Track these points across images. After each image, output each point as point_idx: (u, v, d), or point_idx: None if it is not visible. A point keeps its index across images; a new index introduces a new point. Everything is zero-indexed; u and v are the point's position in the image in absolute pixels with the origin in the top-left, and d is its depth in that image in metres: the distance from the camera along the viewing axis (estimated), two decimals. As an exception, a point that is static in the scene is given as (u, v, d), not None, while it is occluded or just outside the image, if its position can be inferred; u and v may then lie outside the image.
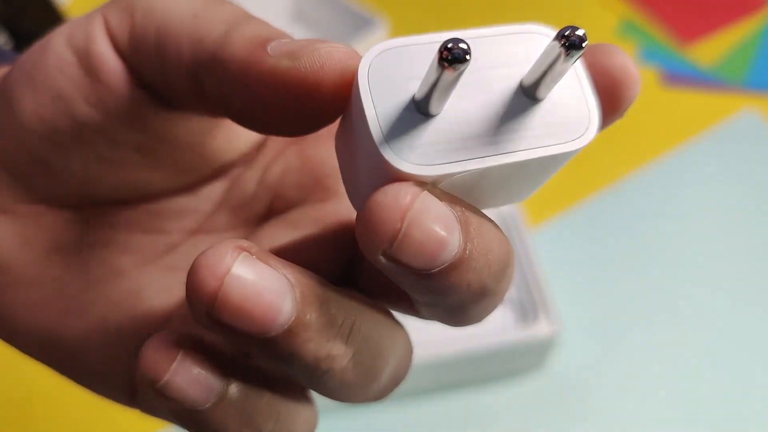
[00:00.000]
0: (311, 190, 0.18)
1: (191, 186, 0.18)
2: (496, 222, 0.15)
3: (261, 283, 0.12)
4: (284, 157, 0.18)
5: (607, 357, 0.45)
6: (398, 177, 0.12)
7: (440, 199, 0.13)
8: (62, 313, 0.17)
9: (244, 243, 0.13)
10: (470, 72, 0.13)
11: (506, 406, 0.44)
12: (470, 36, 0.13)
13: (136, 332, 0.17)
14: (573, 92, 0.13)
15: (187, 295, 0.13)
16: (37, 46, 0.16)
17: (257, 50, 0.13)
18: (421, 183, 0.12)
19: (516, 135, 0.13)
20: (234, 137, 0.18)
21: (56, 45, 0.16)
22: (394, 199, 0.12)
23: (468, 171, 0.12)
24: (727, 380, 0.45)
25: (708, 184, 0.53)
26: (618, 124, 0.57)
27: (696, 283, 0.49)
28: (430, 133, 0.12)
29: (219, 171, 0.18)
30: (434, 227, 0.12)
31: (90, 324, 0.17)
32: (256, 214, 0.18)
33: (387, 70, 0.13)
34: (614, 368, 0.45)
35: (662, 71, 0.59)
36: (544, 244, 0.50)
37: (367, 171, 0.13)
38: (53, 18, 0.59)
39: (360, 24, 0.56)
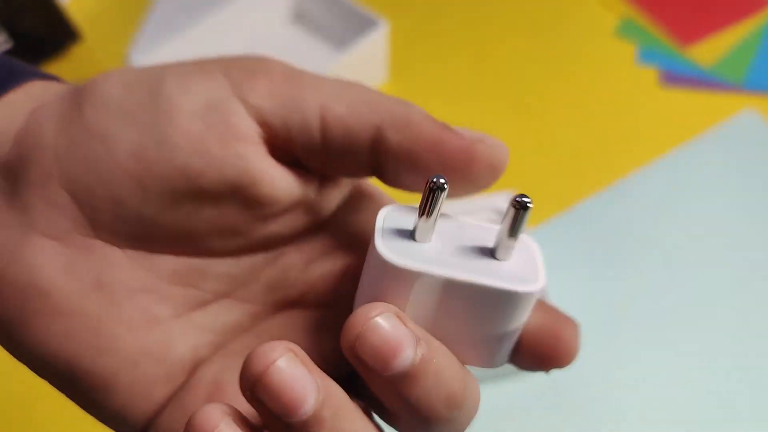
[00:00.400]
0: (343, 299, 0.19)
1: (239, 252, 0.19)
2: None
3: (295, 379, 0.15)
4: (331, 260, 0.19)
5: (606, 356, 0.45)
6: (385, 267, 0.16)
7: (404, 323, 0.16)
8: (95, 350, 0.17)
9: (293, 346, 0.16)
10: (456, 234, 0.18)
11: (506, 405, 0.44)
12: (460, 222, 0.18)
13: (163, 381, 0.18)
14: (528, 263, 0.18)
15: (241, 370, 0.15)
16: (141, 87, 0.17)
17: (446, 130, 0.17)
18: (392, 308, 0.16)
19: (477, 269, 0.17)
20: (296, 216, 0.18)
21: (170, 92, 0.17)
22: (364, 310, 0.16)
23: (434, 275, 0.16)
24: (728, 378, 0.45)
25: (708, 184, 0.53)
26: (618, 124, 0.57)
27: (696, 283, 0.49)
28: (415, 248, 0.17)
29: (269, 244, 0.19)
30: (389, 336, 0.15)
31: (120, 366, 0.17)
32: (287, 299, 0.19)
33: (395, 217, 0.18)
34: (614, 368, 0.45)
35: (662, 71, 0.59)
36: (543, 244, 0.50)
37: (365, 277, 0.18)
38: (53, 18, 0.59)
39: (360, 24, 0.56)
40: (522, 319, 0.17)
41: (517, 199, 0.16)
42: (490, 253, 0.17)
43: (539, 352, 0.18)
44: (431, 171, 0.17)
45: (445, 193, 0.16)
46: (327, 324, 0.19)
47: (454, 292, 0.17)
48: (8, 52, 0.57)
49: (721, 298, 0.48)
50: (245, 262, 0.19)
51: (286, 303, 0.19)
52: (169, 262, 0.18)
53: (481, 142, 0.17)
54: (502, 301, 0.17)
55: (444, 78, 0.60)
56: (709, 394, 0.45)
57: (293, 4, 0.62)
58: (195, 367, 0.18)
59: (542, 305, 0.18)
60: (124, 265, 0.18)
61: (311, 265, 0.19)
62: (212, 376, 0.18)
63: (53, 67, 0.60)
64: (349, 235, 0.19)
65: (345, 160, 0.18)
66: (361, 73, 0.56)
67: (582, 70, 0.60)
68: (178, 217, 0.17)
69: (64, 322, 0.17)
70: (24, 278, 0.17)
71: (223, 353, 0.19)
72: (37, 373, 0.18)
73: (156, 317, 0.18)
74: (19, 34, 0.58)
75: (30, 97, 0.18)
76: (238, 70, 0.17)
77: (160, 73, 0.17)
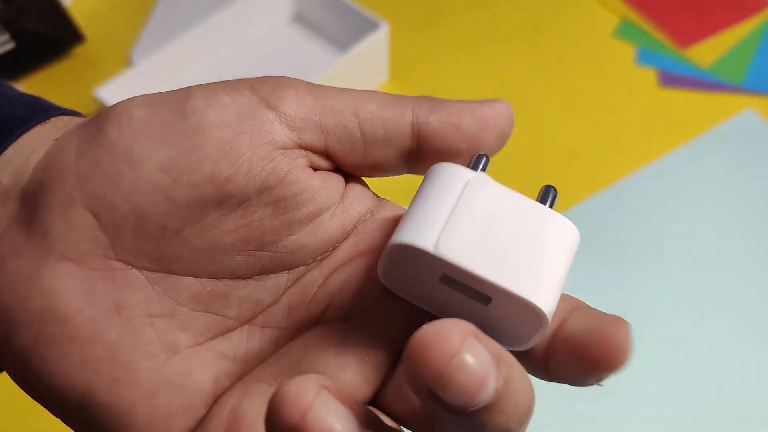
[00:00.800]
0: (366, 307, 0.18)
1: (263, 271, 0.18)
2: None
3: (333, 423, 0.14)
4: (350, 267, 0.19)
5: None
6: (442, 172, 0.18)
7: (483, 344, 0.14)
8: (111, 379, 0.17)
9: (325, 381, 0.14)
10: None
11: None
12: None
13: (182, 413, 0.17)
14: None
15: (268, 420, 0.14)
16: (165, 105, 0.17)
17: (470, 103, 0.19)
18: (470, 327, 0.14)
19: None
20: (321, 225, 0.18)
21: (197, 106, 0.17)
22: (444, 341, 0.13)
23: (488, 180, 0.17)
24: (729, 377, 0.45)
25: (708, 184, 0.53)
26: (617, 124, 0.57)
27: (696, 283, 0.49)
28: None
29: (293, 259, 0.18)
30: (477, 371, 0.13)
31: (137, 397, 0.17)
32: (310, 317, 0.19)
33: None
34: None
35: (661, 71, 0.59)
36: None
37: (414, 203, 0.18)
38: (56, 19, 0.59)
39: (360, 25, 0.56)
40: (566, 255, 0.17)
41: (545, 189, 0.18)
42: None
43: (588, 355, 0.16)
44: (476, 142, 0.19)
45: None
46: (348, 339, 0.18)
47: (504, 205, 0.17)
48: (10, 53, 0.58)
49: (721, 298, 0.48)
50: (270, 284, 0.18)
51: (306, 323, 0.19)
52: (190, 285, 0.18)
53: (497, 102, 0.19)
54: (550, 224, 0.17)
55: (444, 78, 0.60)
56: (711, 393, 0.45)
57: (293, 5, 0.62)
58: (215, 397, 0.18)
59: (587, 310, 0.17)
60: (144, 289, 0.17)
61: (330, 277, 0.19)
62: (231, 406, 0.17)
63: (56, 68, 0.61)
64: (366, 242, 0.19)
65: (387, 152, 0.18)
66: (361, 73, 0.56)
67: (581, 70, 0.60)
68: (202, 229, 0.17)
69: (80, 348, 0.16)
70: (41, 303, 0.16)
71: (243, 381, 0.18)
72: (51, 409, 0.17)
73: (175, 345, 0.17)
74: (22, 35, 0.58)
75: (54, 130, 0.18)
76: (264, 84, 0.18)
77: (185, 92, 0.17)
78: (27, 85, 0.59)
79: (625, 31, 0.62)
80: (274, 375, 0.18)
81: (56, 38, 0.60)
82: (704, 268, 0.50)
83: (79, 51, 0.62)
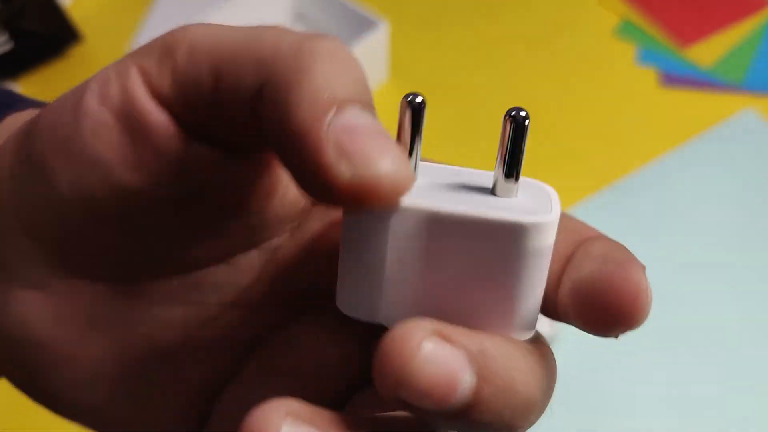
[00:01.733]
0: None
1: (228, 254, 0.17)
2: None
3: None
4: (321, 243, 0.17)
5: (606, 355, 0.46)
6: (355, 218, 0.14)
7: (448, 340, 0.13)
8: (109, 395, 0.16)
9: (294, 405, 0.13)
10: (447, 175, 0.15)
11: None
12: (455, 168, 0.15)
13: (182, 419, 0.17)
14: (538, 198, 0.14)
15: None
16: (68, 106, 0.15)
17: (320, 119, 0.12)
18: (429, 323, 0.13)
19: (470, 203, 0.14)
20: (276, 201, 0.16)
21: (90, 106, 0.15)
22: (402, 344, 0.12)
23: (412, 209, 0.13)
24: (727, 376, 0.45)
25: (707, 184, 0.53)
26: (618, 124, 0.57)
27: (696, 283, 0.49)
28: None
29: (258, 238, 0.17)
30: (441, 371, 0.12)
31: (138, 411, 0.17)
32: (295, 290, 0.17)
33: None
34: (614, 366, 0.45)
35: (661, 71, 0.59)
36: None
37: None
38: (54, 19, 0.59)
39: (360, 24, 0.56)
40: (536, 269, 0.14)
41: (512, 113, 0.13)
42: (489, 191, 0.14)
43: (599, 306, 0.14)
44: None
45: (423, 113, 0.13)
46: (342, 334, 0.17)
47: (442, 236, 0.14)
48: (9, 53, 0.57)
49: (720, 297, 0.48)
50: (240, 264, 0.17)
51: (296, 296, 0.17)
52: (159, 285, 0.16)
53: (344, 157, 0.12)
54: (504, 241, 0.13)
55: (444, 78, 0.60)
56: (710, 392, 0.45)
57: (293, 4, 0.62)
58: (215, 394, 0.17)
59: (593, 246, 0.14)
60: (113, 300, 0.16)
61: (304, 258, 0.17)
62: (237, 404, 0.17)
63: (54, 68, 0.61)
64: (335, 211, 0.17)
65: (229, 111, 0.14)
66: (361, 73, 0.56)
67: (582, 70, 0.60)
68: (142, 234, 0.16)
69: (71, 368, 0.16)
70: (17, 333, 0.16)
71: (244, 374, 0.17)
72: (74, 420, 0.17)
73: (163, 347, 0.17)
74: (20, 35, 0.58)
75: (3, 131, 0.18)
76: (149, 57, 0.15)
77: (83, 87, 0.15)
78: (25, 85, 0.59)
79: (625, 30, 0.62)
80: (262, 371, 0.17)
81: (54, 38, 0.60)
82: (704, 268, 0.49)
83: (77, 51, 0.61)
